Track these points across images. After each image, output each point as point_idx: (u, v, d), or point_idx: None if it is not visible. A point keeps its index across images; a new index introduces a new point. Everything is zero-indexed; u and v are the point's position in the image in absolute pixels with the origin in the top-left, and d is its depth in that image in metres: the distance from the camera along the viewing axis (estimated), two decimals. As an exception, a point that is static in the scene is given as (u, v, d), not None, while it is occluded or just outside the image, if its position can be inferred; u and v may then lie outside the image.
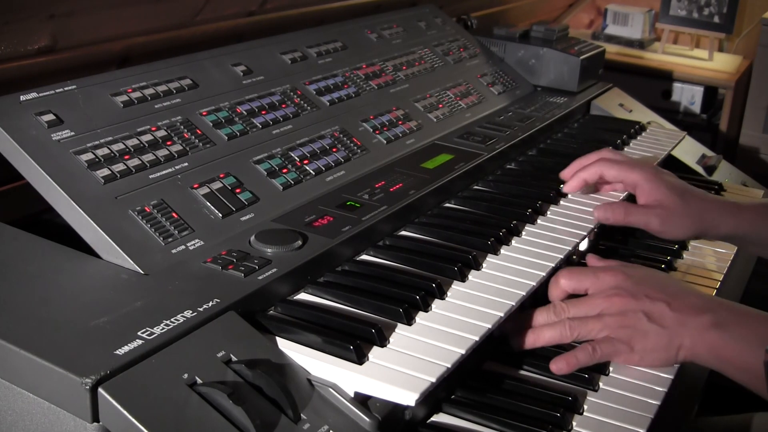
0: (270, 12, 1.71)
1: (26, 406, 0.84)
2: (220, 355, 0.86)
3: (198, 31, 1.57)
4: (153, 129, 1.18)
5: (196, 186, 1.14)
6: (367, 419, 0.87)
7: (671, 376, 1.12)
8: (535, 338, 1.12)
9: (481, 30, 2.16)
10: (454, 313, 1.03)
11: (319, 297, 1.05)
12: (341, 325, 0.96)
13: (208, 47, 1.42)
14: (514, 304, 1.06)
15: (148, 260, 1.00)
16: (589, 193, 1.43)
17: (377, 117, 1.50)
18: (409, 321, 0.99)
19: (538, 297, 1.28)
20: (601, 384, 1.09)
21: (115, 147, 1.12)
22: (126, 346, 0.83)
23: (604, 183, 1.43)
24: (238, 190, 1.17)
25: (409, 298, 1.03)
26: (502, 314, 1.03)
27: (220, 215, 1.12)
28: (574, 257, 1.39)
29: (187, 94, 1.28)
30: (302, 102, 1.43)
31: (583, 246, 1.38)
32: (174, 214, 1.08)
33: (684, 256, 1.51)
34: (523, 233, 1.27)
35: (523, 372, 1.13)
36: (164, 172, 1.13)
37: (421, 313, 1.02)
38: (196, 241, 1.06)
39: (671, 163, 1.87)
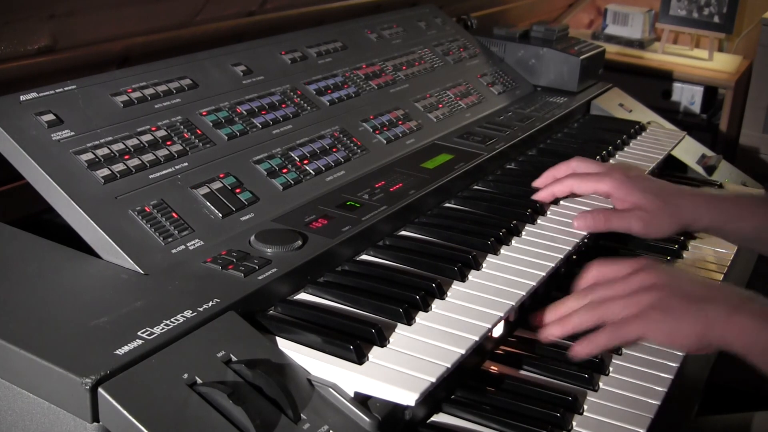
0: (270, 12, 1.71)
1: (26, 406, 0.84)
2: (220, 355, 0.86)
3: (198, 31, 1.57)
4: (153, 129, 1.18)
5: (196, 186, 1.14)
6: (367, 419, 0.87)
7: (671, 376, 1.12)
8: (562, 326, 1.08)
9: (481, 30, 2.16)
10: (454, 313, 1.03)
11: (319, 297, 1.05)
12: (341, 325, 0.96)
13: (208, 47, 1.42)
14: (514, 304, 1.06)
15: (148, 260, 1.00)
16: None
17: (377, 117, 1.50)
18: (409, 321, 0.99)
19: (538, 297, 1.28)
20: (601, 384, 1.10)
21: (115, 147, 1.12)
22: (126, 346, 0.83)
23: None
24: (238, 190, 1.17)
25: (409, 298, 1.03)
26: (501, 314, 1.03)
27: (220, 215, 1.12)
28: (574, 257, 1.39)
29: (187, 94, 1.28)
30: (302, 102, 1.43)
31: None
32: (174, 214, 1.08)
33: (684, 255, 1.51)
34: (523, 233, 1.27)
35: (523, 372, 1.13)
36: (164, 172, 1.13)
37: (421, 313, 1.02)
38: (196, 241, 1.06)
39: (671, 163, 1.88)
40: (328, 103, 1.46)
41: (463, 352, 0.94)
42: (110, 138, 1.13)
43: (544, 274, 1.15)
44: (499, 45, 2.03)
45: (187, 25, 1.54)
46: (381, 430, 0.88)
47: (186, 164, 1.17)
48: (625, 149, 1.75)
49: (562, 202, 1.39)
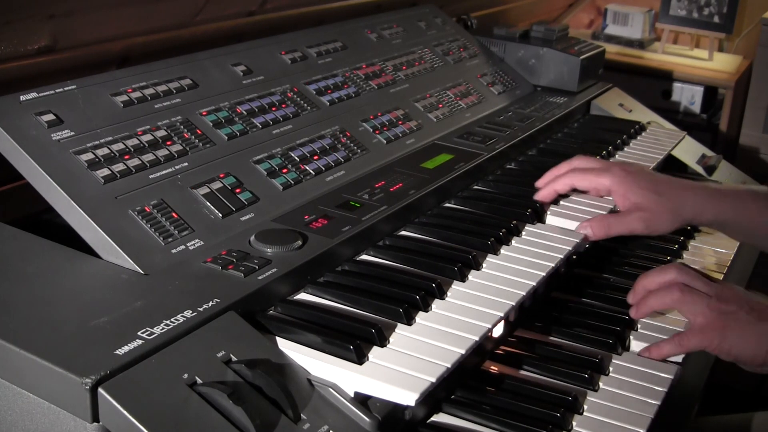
0: (270, 12, 1.71)
1: (26, 406, 0.84)
2: (220, 355, 0.86)
3: (198, 31, 1.57)
4: (153, 129, 1.18)
5: (196, 186, 1.14)
6: (367, 419, 0.87)
7: (671, 376, 1.12)
8: (645, 305, 1.17)
9: (481, 30, 2.16)
10: (454, 313, 1.03)
11: (319, 297, 1.05)
12: (341, 325, 0.96)
13: (208, 47, 1.42)
14: (513, 304, 1.06)
15: (148, 260, 1.00)
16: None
17: (377, 117, 1.50)
18: (409, 321, 0.99)
19: (538, 297, 1.28)
20: (601, 384, 1.09)
21: (115, 147, 1.12)
22: (126, 346, 0.83)
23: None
24: (238, 190, 1.17)
25: (409, 298, 1.03)
26: (501, 314, 1.03)
27: (220, 215, 1.12)
28: (574, 257, 1.39)
29: (187, 94, 1.28)
30: (302, 102, 1.43)
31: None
32: (174, 214, 1.08)
33: (684, 255, 1.51)
34: (523, 233, 1.27)
35: (523, 372, 1.13)
36: (164, 172, 1.13)
37: (421, 313, 1.02)
38: (196, 241, 1.06)
39: (671, 163, 1.87)
40: (328, 103, 1.46)
41: (463, 352, 0.94)
42: (110, 138, 1.13)
43: (544, 274, 1.15)
44: (499, 45, 2.03)
45: (187, 25, 1.54)
46: (381, 430, 0.88)
47: (186, 164, 1.17)
48: (625, 149, 1.75)
49: (562, 202, 1.39)
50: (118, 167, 1.09)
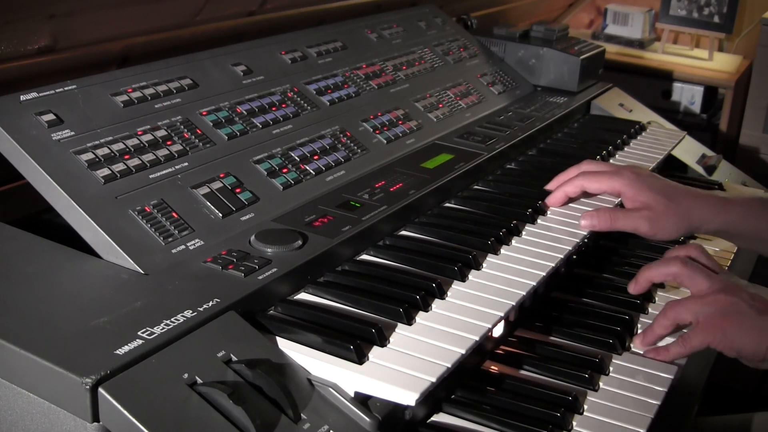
0: (270, 12, 1.71)
1: (26, 406, 0.84)
2: (220, 354, 0.86)
3: (198, 31, 1.57)
4: (153, 129, 1.18)
5: (196, 186, 1.14)
6: (368, 419, 0.87)
7: (671, 376, 1.12)
8: (642, 275, 1.21)
9: (481, 30, 2.16)
10: (454, 313, 1.03)
11: (319, 297, 1.05)
12: (341, 325, 0.96)
13: (208, 47, 1.42)
14: (514, 304, 1.06)
15: (148, 260, 1.00)
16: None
17: (377, 117, 1.50)
18: (409, 321, 0.99)
19: (538, 297, 1.28)
20: (601, 384, 1.09)
21: (115, 147, 1.12)
22: (126, 346, 0.83)
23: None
24: (238, 190, 1.17)
25: (409, 297, 1.03)
26: (502, 314, 1.03)
27: (220, 215, 1.12)
28: (574, 257, 1.39)
29: (187, 94, 1.28)
30: (302, 102, 1.43)
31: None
32: (174, 214, 1.08)
33: (684, 256, 1.51)
34: (524, 233, 1.27)
35: (523, 372, 1.13)
36: (164, 171, 1.13)
37: (421, 313, 1.02)
38: (196, 240, 1.06)
39: (671, 163, 1.88)
40: (328, 103, 1.46)
41: (463, 352, 0.94)
42: (110, 138, 1.13)
43: (544, 274, 1.15)
44: (499, 45, 2.03)
45: (187, 25, 1.54)
46: (381, 430, 0.88)
47: (186, 164, 1.17)
48: (625, 149, 1.75)
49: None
50: (119, 167, 1.09)
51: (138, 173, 1.11)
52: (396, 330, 0.98)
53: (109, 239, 1.00)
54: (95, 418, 0.79)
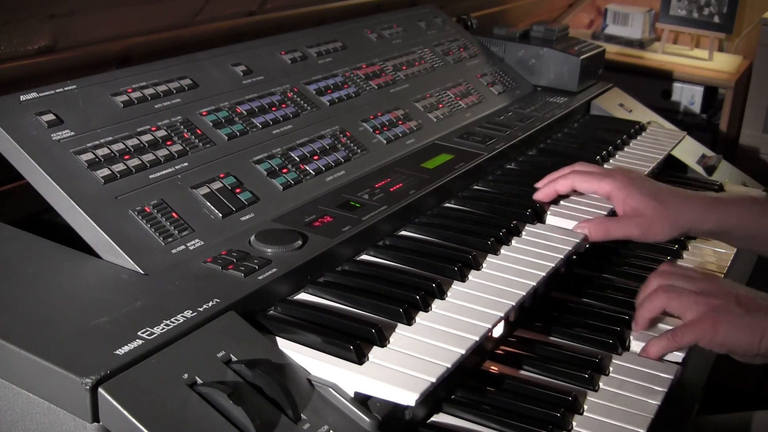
0: (270, 12, 1.71)
1: (26, 406, 0.84)
2: (220, 355, 0.86)
3: (198, 31, 1.57)
4: (153, 129, 1.18)
5: (196, 186, 1.14)
6: (367, 419, 0.87)
7: (671, 377, 1.12)
8: (638, 317, 1.20)
9: (481, 30, 2.16)
10: (454, 313, 1.03)
11: (319, 297, 1.05)
12: (341, 325, 0.96)
13: (208, 47, 1.42)
14: (514, 304, 1.06)
15: (148, 260, 1.00)
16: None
17: (377, 117, 1.50)
18: (409, 321, 0.99)
19: (538, 297, 1.28)
20: (601, 384, 1.09)
21: (115, 147, 1.12)
22: (126, 346, 0.83)
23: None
24: (238, 190, 1.17)
25: (409, 298, 1.03)
26: (501, 314, 1.03)
27: (220, 215, 1.12)
28: (574, 257, 1.39)
29: (187, 94, 1.28)
30: (302, 102, 1.43)
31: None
32: (174, 214, 1.08)
33: (684, 256, 1.51)
34: (523, 233, 1.27)
35: (523, 372, 1.13)
36: (164, 172, 1.13)
37: (421, 313, 1.02)
38: (196, 241, 1.06)
39: (671, 163, 1.87)
40: (328, 103, 1.46)
41: (463, 352, 0.94)
42: (110, 138, 1.13)
43: (544, 274, 1.15)
44: (499, 45, 2.03)
45: (187, 25, 1.54)
46: (381, 430, 0.88)
47: (186, 164, 1.17)
48: (625, 149, 1.75)
49: (562, 202, 1.39)
50: (118, 167, 1.09)
51: (138, 173, 1.11)
52: (396, 330, 0.98)
53: (109, 239, 1.00)
54: (95, 418, 0.79)
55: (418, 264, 1.14)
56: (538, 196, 1.38)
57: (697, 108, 2.92)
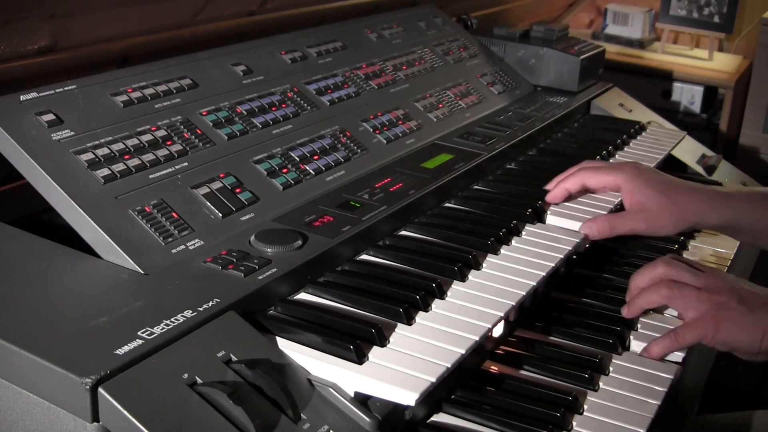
0: (270, 12, 1.71)
1: (26, 406, 0.84)
2: (220, 355, 0.86)
3: (198, 31, 1.57)
4: (153, 129, 1.18)
5: (196, 186, 1.14)
6: (368, 419, 0.87)
7: (671, 376, 1.12)
8: (634, 304, 1.19)
9: (481, 30, 2.16)
10: (454, 313, 1.03)
11: (319, 297, 1.05)
12: (341, 325, 0.96)
13: (208, 47, 1.42)
14: (514, 304, 1.06)
15: (148, 260, 1.00)
16: (588, 193, 1.42)
17: (377, 117, 1.50)
18: (409, 321, 0.99)
19: (538, 297, 1.28)
20: (601, 384, 1.09)
21: (115, 147, 1.12)
22: (126, 346, 0.83)
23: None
24: (238, 190, 1.17)
25: (409, 298, 1.03)
26: (501, 314, 1.03)
27: (220, 215, 1.12)
28: (574, 257, 1.39)
29: (187, 94, 1.28)
30: (302, 102, 1.43)
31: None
32: (174, 214, 1.08)
33: (684, 255, 1.51)
34: (524, 233, 1.27)
35: (523, 372, 1.13)
36: (164, 171, 1.13)
37: (421, 313, 1.02)
38: (196, 240, 1.06)
39: (671, 163, 1.87)
40: (328, 103, 1.46)
41: (463, 352, 0.94)
42: (110, 138, 1.13)
43: (544, 274, 1.15)
44: (499, 45, 2.03)
45: (187, 25, 1.54)
46: (381, 430, 0.88)
47: (186, 164, 1.17)
48: (625, 149, 1.75)
49: (562, 202, 1.39)
50: (118, 167, 1.09)
51: (138, 173, 1.11)
52: (396, 330, 0.98)
53: (109, 239, 1.00)
54: (95, 418, 0.79)
55: (418, 264, 1.13)
56: (549, 197, 1.37)
57: (697, 108, 2.92)
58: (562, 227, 1.31)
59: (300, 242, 1.07)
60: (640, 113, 2.05)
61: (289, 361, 0.91)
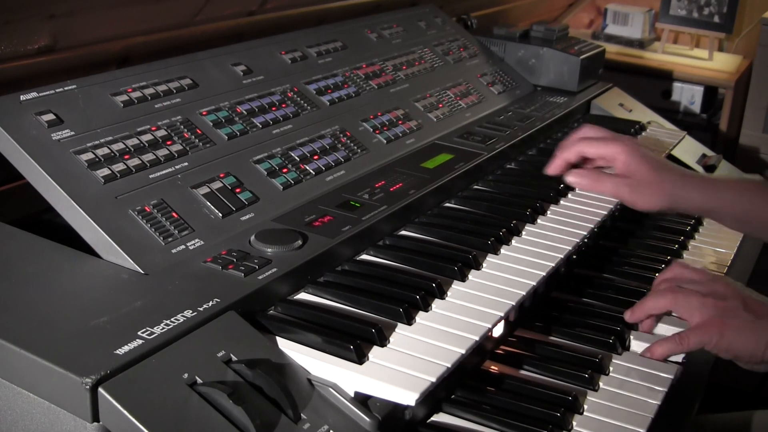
0: (270, 12, 1.71)
1: (26, 406, 0.84)
2: (220, 354, 0.86)
3: (198, 31, 1.57)
4: (153, 129, 1.18)
5: (196, 186, 1.14)
6: (368, 419, 0.87)
7: (671, 376, 1.12)
8: (639, 308, 1.19)
9: (481, 30, 2.16)
10: (454, 312, 1.02)
11: (319, 297, 1.05)
12: (341, 324, 0.96)
13: (208, 47, 1.42)
14: (514, 303, 1.06)
15: (148, 260, 1.00)
16: (590, 191, 1.42)
17: (377, 117, 1.50)
18: (409, 321, 0.99)
19: (538, 297, 1.28)
20: (601, 384, 1.10)
21: (115, 147, 1.12)
22: (126, 346, 0.83)
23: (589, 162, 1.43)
24: (238, 190, 1.17)
25: (409, 297, 1.03)
26: (501, 314, 1.03)
27: (220, 215, 1.12)
28: (574, 257, 1.39)
29: (187, 94, 1.28)
30: (302, 102, 1.43)
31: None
32: (174, 214, 1.08)
33: (684, 255, 1.51)
34: (524, 233, 1.27)
35: (523, 372, 1.13)
36: (164, 171, 1.13)
37: (421, 313, 1.02)
38: (196, 240, 1.06)
39: (671, 163, 1.87)
40: (328, 103, 1.46)
41: (463, 351, 0.94)
42: (110, 138, 1.13)
43: (544, 274, 1.15)
44: (499, 45, 2.03)
45: (187, 25, 1.54)
46: (381, 430, 0.88)
47: (186, 164, 1.17)
48: (625, 149, 1.74)
49: (562, 202, 1.39)
50: (118, 167, 1.09)
51: (138, 173, 1.11)
52: (396, 330, 0.98)
53: (109, 239, 1.00)
54: (95, 418, 0.79)
55: (418, 264, 1.13)
56: (549, 169, 1.36)
57: (697, 108, 2.92)
58: (562, 227, 1.31)
59: (300, 242, 1.07)
60: (640, 113, 2.05)
61: (289, 361, 0.91)
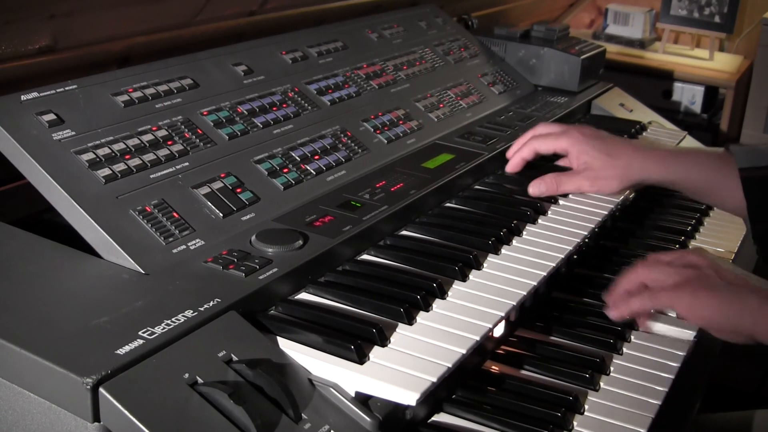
0: (270, 12, 1.71)
1: (27, 406, 0.84)
2: (220, 354, 0.86)
3: (198, 30, 1.57)
4: (154, 129, 1.18)
5: (196, 186, 1.14)
6: (368, 419, 0.87)
7: (672, 376, 1.12)
8: (612, 291, 1.15)
9: (482, 30, 2.16)
10: (454, 312, 1.02)
11: (320, 297, 1.05)
12: (342, 324, 0.96)
13: (208, 47, 1.42)
14: (514, 303, 1.06)
15: (149, 260, 1.00)
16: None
17: (378, 117, 1.50)
18: (409, 321, 0.99)
19: (539, 297, 1.28)
20: (602, 384, 1.09)
21: (116, 147, 1.12)
22: (127, 346, 0.83)
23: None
24: (238, 190, 1.17)
25: (409, 297, 1.03)
26: (502, 314, 1.03)
27: (221, 215, 1.12)
28: (575, 257, 1.39)
29: (188, 94, 1.28)
30: (303, 101, 1.43)
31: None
32: (175, 214, 1.08)
33: (685, 255, 1.51)
34: (524, 233, 1.27)
35: (524, 372, 1.13)
36: (165, 171, 1.13)
37: (421, 313, 1.02)
38: (197, 240, 1.06)
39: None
40: (329, 103, 1.46)
41: (464, 351, 0.94)
42: (111, 138, 1.13)
43: (545, 273, 1.15)
44: (500, 45, 2.03)
45: (187, 25, 1.54)
46: (382, 430, 0.88)
47: (187, 164, 1.17)
48: (626, 149, 1.74)
49: (562, 202, 1.39)
50: (119, 167, 1.09)
51: (139, 173, 1.11)
52: (397, 330, 0.98)
53: (110, 239, 1.00)
54: (96, 418, 0.79)
55: (419, 264, 1.13)
56: (508, 168, 1.45)
57: (697, 108, 2.92)
58: (562, 227, 1.31)
59: (301, 242, 1.07)
60: (641, 113, 2.05)
61: (290, 361, 0.91)
